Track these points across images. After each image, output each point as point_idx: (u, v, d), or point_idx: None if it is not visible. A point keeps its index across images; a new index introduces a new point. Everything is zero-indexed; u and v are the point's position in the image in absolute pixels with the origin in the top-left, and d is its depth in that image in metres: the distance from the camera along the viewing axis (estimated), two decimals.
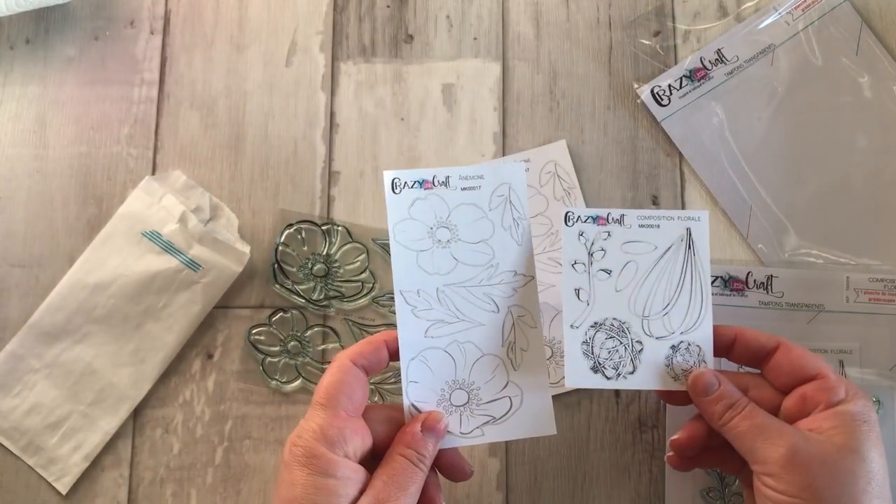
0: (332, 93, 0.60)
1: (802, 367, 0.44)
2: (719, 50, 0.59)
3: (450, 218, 0.47)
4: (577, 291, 0.48)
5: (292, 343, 0.56)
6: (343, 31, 0.61)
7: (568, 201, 0.57)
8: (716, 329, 0.47)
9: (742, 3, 0.60)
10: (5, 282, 0.57)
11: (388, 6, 0.61)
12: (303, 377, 0.55)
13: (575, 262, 0.48)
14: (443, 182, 0.47)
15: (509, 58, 0.60)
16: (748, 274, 0.55)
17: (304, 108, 0.60)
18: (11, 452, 0.54)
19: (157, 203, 0.56)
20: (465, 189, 0.47)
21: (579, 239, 0.48)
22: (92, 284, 0.55)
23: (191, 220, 0.56)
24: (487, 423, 0.46)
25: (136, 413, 0.55)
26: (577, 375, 0.47)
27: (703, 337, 0.47)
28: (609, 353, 0.47)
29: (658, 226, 0.48)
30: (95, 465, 0.55)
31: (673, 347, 0.47)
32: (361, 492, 0.41)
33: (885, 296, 0.55)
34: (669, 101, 0.58)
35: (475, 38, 0.60)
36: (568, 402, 0.55)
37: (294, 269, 0.57)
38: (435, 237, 0.47)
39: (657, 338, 0.47)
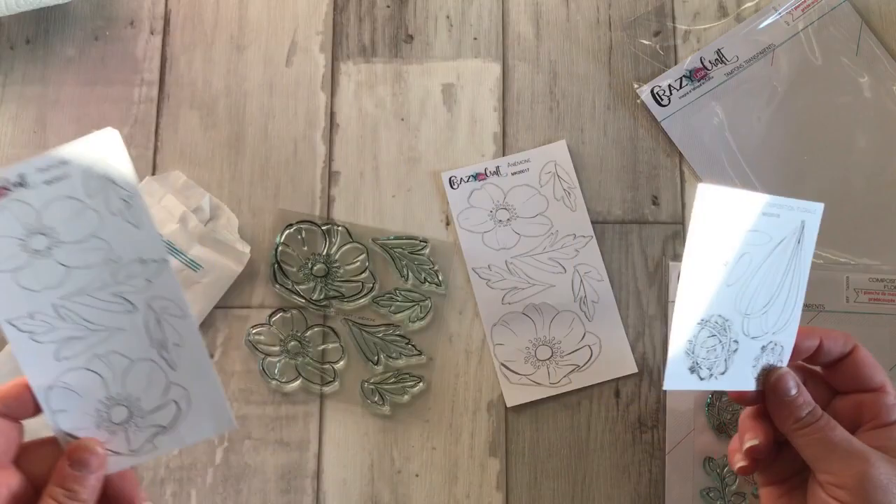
0: (332, 93, 0.60)
1: (869, 377, 0.43)
2: (719, 50, 0.59)
3: (41, 222, 0.39)
4: (694, 283, 0.42)
5: (292, 343, 0.56)
6: (343, 31, 0.61)
7: (568, 201, 0.57)
8: (800, 331, 0.44)
9: (742, 3, 0.60)
10: None
11: (388, 6, 0.61)
12: (303, 377, 0.55)
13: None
14: (493, 172, 0.50)
15: (509, 58, 0.60)
16: None
17: (304, 108, 0.60)
18: None
19: (158, 203, 0.56)
20: (48, 183, 0.38)
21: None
22: None
23: (191, 220, 0.56)
24: (157, 434, 0.41)
25: None
26: (678, 377, 0.42)
27: (788, 337, 0.44)
28: (707, 352, 0.42)
29: (779, 215, 0.43)
30: None
31: (763, 348, 0.43)
32: None
33: (885, 296, 0.55)
34: (669, 101, 0.58)
35: (475, 38, 0.60)
36: (568, 402, 0.55)
37: (294, 269, 0.57)
38: (27, 246, 0.38)
39: (752, 338, 0.43)
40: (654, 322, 0.56)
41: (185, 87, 0.60)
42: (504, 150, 0.58)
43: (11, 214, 0.38)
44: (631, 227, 0.57)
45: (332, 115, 0.59)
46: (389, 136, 0.59)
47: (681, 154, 0.58)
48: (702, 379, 0.42)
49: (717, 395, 0.54)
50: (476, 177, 0.56)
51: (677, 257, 0.57)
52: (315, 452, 0.55)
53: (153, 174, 0.58)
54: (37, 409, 0.39)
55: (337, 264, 0.57)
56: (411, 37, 0.61)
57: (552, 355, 0.55)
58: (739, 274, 0.42)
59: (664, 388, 0.42)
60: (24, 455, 0.39)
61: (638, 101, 0.59)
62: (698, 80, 0.59)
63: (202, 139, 0.59)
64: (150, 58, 0.61)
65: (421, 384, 0.55)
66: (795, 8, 0.59)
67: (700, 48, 0.59)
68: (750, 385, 0.43)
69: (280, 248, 0.57)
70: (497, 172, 0.56)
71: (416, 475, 0.54)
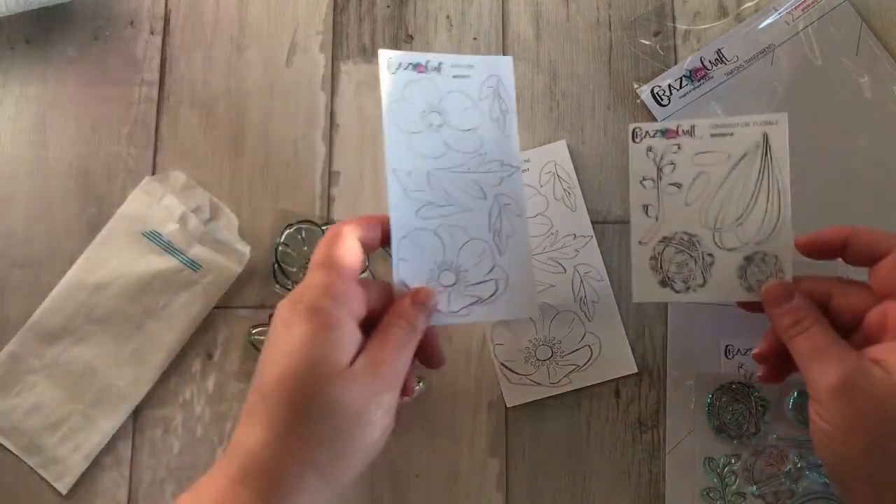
0: (332, 93, 0.60)
1: None
2: (719, 50, 0.59)
3: (441, 103, 0.48)
4: (646, 208, 0.48)
5: None
6: (343, 31, 0.61)
7: (567, 201, 0.57)
8: (829, 230, 0.45)
9: (742, 3, 0.60)
10: (5, 282, 0.57)
11: (388, 6, 0.61)
12: None
13: (643, 179, 0.48)
14: (435, 68, 0.48)
15: None
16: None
17: (304, 108, 0.60)
18: (11, 452, 0.54)
19: (158, 203, 0.56)
20: (456, 77, 0.48)
21: (647, 154, 0.48)
22: (92, 284, 0.55)
23: (191, 220, 0.56)
24: (474, 303, 0.47)
25: (136, 413, 0.55)
26: (645, 290, 0.48)
27: (781, 247, 0.46)
28: (678, 267, 0.47)
29: (732, 133, 0.47)
30: (95, 465, 0.55)
31: (747, 259, 0.46)
32: (358, 352, 0.42)
33: None
34: (669, 101, 0.58)
35: (475, 38, 0.60)
36: (568, 402, 0.55)
37: (294, 270, 0.56)
38: (427, 121, 0.48)
39: (729, 249, 0.46)
40: (654, 322, 0.56)
41: (185, 87, 0.60)
42: None
43: (422, 89, 0.48)
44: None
45: (332, 115, 0.59)
46: None
47: None
48: (677, 292, 0.47)
49: (718, 395, 0.54)
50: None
51: None
52: None
53: (153, 174, 0.58)
54: (376, 247, 0.46)
55: None
56: (411, 37, 0.61)
57: (552, 355, 0.55)
58: (698, 192, 0.47)
59: (634, 300, 0.48)
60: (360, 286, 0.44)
61: (638, 101, 0.59)
62: (698, 80, 0.59)
63: (202, 139, 0.59)
64: (150, 58, 0.61)
65: (421, 384, 0.55)
66: (795, 8, 0.59)
67: (700, 48, 0.59)
68: (739, 296, 0.46)
69: (280, 248, 0.57)
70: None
71: (416, 475, 0.54)
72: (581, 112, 0.59)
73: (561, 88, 0.60)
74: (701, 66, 0.59)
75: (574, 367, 0.55)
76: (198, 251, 0.56)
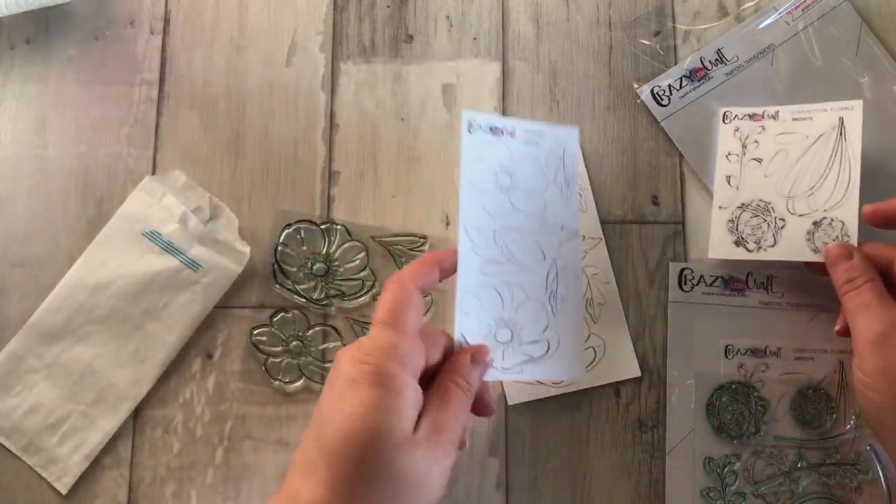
0: (332, 93, 0.60)
1: None
2: (719, 50, 0.59)
3: (512, 166, 0.50)
4: (728, 178, 0.54)
5: (294, 343, 0.56)
6: (343, 31, 0.61)
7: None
8: (894, 200, 0.49)
9: (742, 3, 0.60)
10: (5, 282, 0.57)
11: (388, 6, 0.61)
12: (305, 377, 0.55)
13: (729, 154, 0.54)
14: (510, 132, 0.51)
15: (509, 58, 0.60)
16: (748, 274, 0.55)
17: (304, 108, 0.60)
18: (11, 452, 0.54)
19: (158, 203, 0.56)
20: (527, 143, 0.51)
21: (735, 134, 0.55)
22: (92, 284, 0.55)
23: (191, 220, 0.56)
24: (526, 361, 0.49)
25: (136, 413, 0.55)
26: (720, 248, 0.53)
27: (848, 213, 0.51)
28: (752, 229, 0.52)
29: (811, 118, 0.53)
30: (95, 465, 0.55)
31: (815, 223, 0.51)
32: (418, 413, 0.42)
33: None
34: (669, 101, 0.58)
35: (475, 38, 0.60)
36: (568, 402, 0.55)
37: (294, 269, 0.56)
38: (498, 181, 0.50)
39: (800, 215, 0.52)
40: (655, 322, 0.56)
41: (185, 87, 0.60)
42: None
43: (496, 151, 0.50)
44: (631, 227, 0.57)
45: (332, 115, 0.59)
46: (389, 136, 0.59)
47: (681, 154, 0.58)
48: (749, 251, 0.53)
49: (718, 395, 0.54)
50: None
51: (677, 257, 0.57)
52: None
53: (153, 174, 0.58)
54: (435, 287, 0.47)
55: (337, 263, 0.57)
56: (411, 37, 0.61)
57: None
58: (777, 167, 0.54)
59: (709, 256, 0.54)
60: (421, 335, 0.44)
61: (638, 101, 0.59)
62: (698, 80, 0.59)
63: (202, 139, 0.59)
64: (150, 58, 0.61)
65: None
66: (795, 8, 0.59)
67: (700, 48, 0.59)
68: (806, 256, 0.52)
69: (280, 248, 0.57)
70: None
71: None
72: (581, 112, 0.59)
73: (561, 88, 0.60)
74: (701, 66, 0.59)
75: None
76: (198, 251, 0.56)
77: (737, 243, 0.53)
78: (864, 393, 0.45)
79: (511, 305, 0.49)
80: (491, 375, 0.47)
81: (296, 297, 0.56)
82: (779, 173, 0.53)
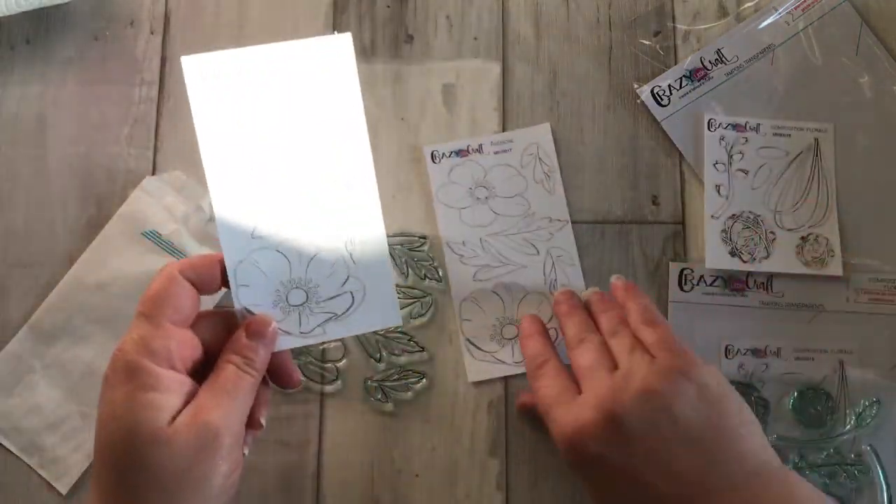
0: None
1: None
2: (719, 50, 0.59)
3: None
4: (718, 187, 0.56)
5: None
6: (343, 31, 0.61)
7: (547, 185, 0.57)
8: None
9: (742, 3, 0.60)
10: (5, 282, 0.57)
11: (388, 6, 0.61)
12: (305, 377, 0.55)
13: (716, 163, 0.56)
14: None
15: (509, 58, 0.60)
16: (748, 274, 0.55)
17: None
18: (11, 452, 0.54)
19: (158, 203, 0.56)
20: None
21: (720, 143, 0.56)
22: (92, 285, 0.55)
23: (191, 220, 0.56)
24: (329, 320, 0.45)
25: None
26: (717, 258, 0.55)
27: (830, 232, 0.55)
28: (745, 240, 0.54)
29: (790, 135, 0.56)
30: None
31: (803, 238, 0.54)
32: (186, 403, 0.40)
33: (886, 296, 0.55)
34: (669, 101, 0.58)
35: (475, 38, 0.60)
36: None
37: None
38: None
39: (788, 229, 0.55)
40: None
41: (185, 88, 0.60)
42: None
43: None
44: (631, 227, 0.57)
45: None
46: (389, 136, 0.59)
47: (681, 154, 0.58)
48: (745, 262, 0.55)
49: None
50: (458, 153, 0.57)
51: (677, 257, 0.57)
52: (315, 452, 0.55)
53: (153, 174, 0.58)
54: (215, 288, 0.44)
55: None
56: (411, 37, 0.61)
57: (518, 335, 0.55)
58: (762, 180, 0.56)
59: (707, 266, 0.55)
60: (198, 322, 0.43)
61: (638, 101, 0.59)
62: (698, 80, 0.59)
63: None
64: (150, 58, 0.61)
65: (424, 381, 0.55)
66: (795, 8, 0.59)
67: (700, 48, 0.59)
68: (798, 269, 0.54)
69: None
70: (479, 150, 0.57)
71: (417, 475, 0.54)
72: (581, 112, 0.59)
73: (561, 88, 0.60)
74: (701, 66, 0.59)
75: None
76: (197, 251, 0.56)
77: (732, 254, 0.55)
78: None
79: (300, 264, 0.45)
80: (289, 343, 0.45)
81: None
82: (764, 186, 0.56)
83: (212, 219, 0.57)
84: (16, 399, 0.55)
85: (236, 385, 0.41)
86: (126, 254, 0.56)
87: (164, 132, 0.59)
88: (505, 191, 0.56)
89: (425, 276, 0.56)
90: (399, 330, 0.56)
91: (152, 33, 0.61)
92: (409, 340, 0.55)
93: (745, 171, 0.56)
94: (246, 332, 0.43)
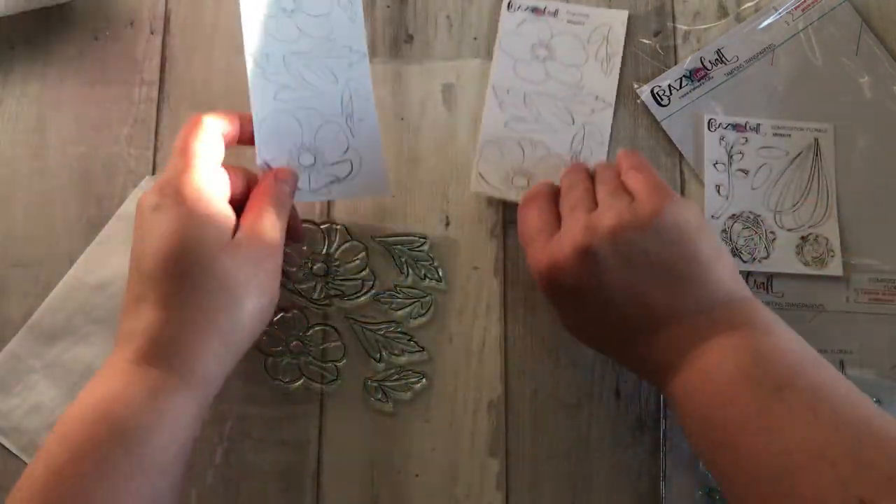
0: None
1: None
2: (719, 50, 0.59)
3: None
4: (718, 187, 0.56)
5: (294, 343, 0.56)
6: None
7: (605, 66, 0.59)
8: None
9: (742, 3, 0.60)
10: (5, 282, 0.57)
11: (388, 6, 0.61)
12: (305, 377, 0.55)
13: (716, 163, 0.56)
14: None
15: None
16: (748, 274, 0.55)
17: None
18: (11, 452, 0.54)
19: None
20: None
21: (720, 143, 0.57)
22: (92, 285, 0.55)
23: None
24: (333, 182, 0.53)
25: None
26: None
27: (830, 231, 0.55)
28: (745, 241, 0.55)
29: (790, 135, 0.56)
30: None
31: (803, 238, 0.55)
32: (234, 229, 0.45)
33: (886, 296, 0.55)
34: (669, 101, 0.58)
35: (475, 38, 0.60)
36: (568, 402, 0.55)
37: (294, 269, 0.56)
38: (280, 4, 0.52)
39: (788, 229, 0.55)
40: None
41: (185, 88, 0.60)
42: None
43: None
44: None
45: None
46: (389, 136, 0.59)
47: (681, 154, 0.58)
48: (745, 262, 0.55)
49: None
50: (534, 10, 0.59)
51: None
52: (315, 452, 0.55)
53: (153, 174, 0.58)
54: (234, 142, 0.50)
55: (337, 263, 0.57)
56: (411, 37, 0.61)
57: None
58: (762, 180, 0.56)
59: None
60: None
61: (638, 101, 0.59)
62: (698, 80, 0.59)
63: None
64: (150, 58, 0.61)
65: (424, 380, 0.55)
66: (795, 8, 0.59)
67: (700, 48, 0.60)
68: (797, 269, 0.55)
69: None
70: (554, 14, 0.59)
71: (417, 475, 0.54)
72: None
73: None
74: (701, 66, 0.59)
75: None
76: None
77: (732, 254, 0.54)
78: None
79: (309, 130, 0.52)
80: (299, 196, 0.52)
81: (296, 297, 0.56)
82: (764, 187, 0.56)
83: None
84: (16, 399, 0.55)
85: (276, 216, 0.47)
86: (126, 253, 0.55)
87: (164, 132, 0.59)
88: (565, 58, 0.58)
89: (425, 276, 0.56)
90: (399, 330, 0.56)
91: (152, 33, 0.61)
92: (409, 340, 0.55)
93: (745, 171, 0.56)
94: (276, 175, 0.50)
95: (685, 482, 0.53)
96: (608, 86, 0.58)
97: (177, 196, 0.43)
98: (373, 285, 0.56)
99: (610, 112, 0.57)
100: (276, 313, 0.56)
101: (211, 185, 0.45)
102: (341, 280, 0.56)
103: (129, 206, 0.57)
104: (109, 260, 0.56)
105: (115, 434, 0.39)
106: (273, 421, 0.55)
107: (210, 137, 0.47)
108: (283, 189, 0.49)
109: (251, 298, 0.44)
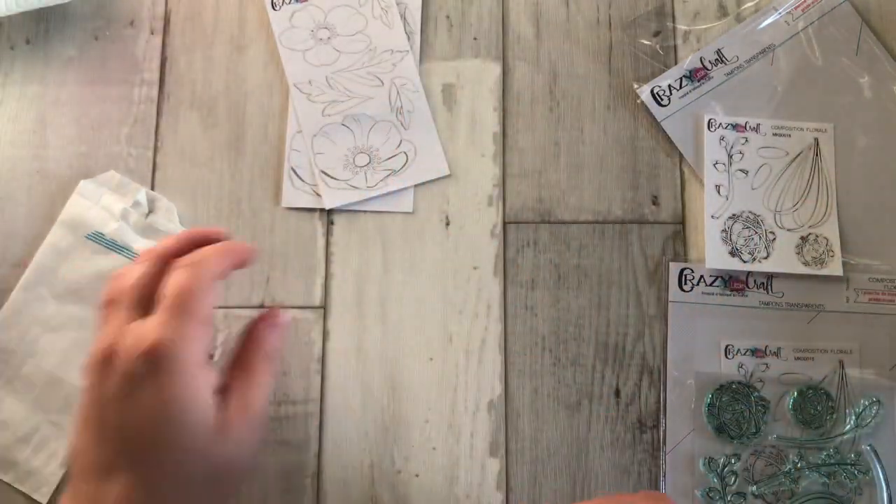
0: None
1: None
2: (719, 50, 0.59)
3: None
4: (718, 187, 0.56)
5: None
6: None
7: (385, 19, 0.59)
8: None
9: (742, 3, 0.60)
10: (5, 282, 0.57)
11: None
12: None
13: (716, 162, 0.56)
14: None
15: (509, 58, 0.60)
16: (748, 274, 0.55)
17: None
18: None
19: (96, 205, 0.56)
20: None
21: (720, 143, 0.56)
22: (45, 295, 0.55)
23: (131, 215, 0.56)
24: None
25: None
26: (717, 258, 0.55)
27: (830, 232, 0.55)
28: (745, 240, 0.54)
29: (790, 135, 0.56)
30: None
31: (803, 238, 0.54)
32: (218, 388, 0.41)
33: (886, 296, 0.55)
34: (669, 101, 0.58)
35: (475, 38, 0.60)
36: (569, 402, 0.55)
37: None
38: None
39: (788, 229, 0.55)
40: (654, 322, 0.56)
41: (185, 87, 0.60)
42: (504, 151, 0.58)
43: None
44: (631, 227, 0.57)
45: None
46: None
47: (681, 154, 0.58)
48: (745, 262, 0.55)
49: (717, 395, 0.54)
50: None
51: (677, 257, 0.57)
52: (315, 452, 0.55)
53: (153, 174, 0.58)
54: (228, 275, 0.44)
55: None
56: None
57: (370, 162, 0.57)
58: (762, 180, 0.56)
59: (707, 265, 0.55)
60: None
61: (638, 101, 0.59)
62: (698, 80, 0.59)
63: (202, 139, 0.59)
64: (150, 58, 0.61)
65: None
66: (795, 8, 0.59)
67: (700, 48, 0.59)
68: (799, 269, 0.54)
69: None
70: None
71: (416, 475, 0.54)
72: (581, 112, 0.59)
73: (561, 88, 0.60)
74: (701, 66, 0.59)
75: (390, 171, 0.57)
76: (142, 245, 0.56)
77: (732, 254, 0.55)
78: None
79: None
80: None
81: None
82: (764, 187, 0.56)
83: (151, 211, 0.57)
84: None
85: (268, 374, 0.44)
86: (74, 259, 0.56)
87: (164, 132, 0.59)
88: (346, 30, 0.59)
89: None
90: None
91: (152, 33, 0.61)
92: None
93: (745, 171, 0.56)
94: (267, 323, 0.46)
95: (685, 482, 0.53)
96: (396, 35, 0.59)
97: (172, 367, 0.39)
98: None
99: (409, 57, 0.58)
100: None
101: (197, 352, 0.40)
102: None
103: (68, 212, 0.56)
104: (58, 268, 0.56)
105: None
106: (273, 421, 0.55)
107: (210, 295, 0.41)
108: (274, 338, 0.46)
109: (235, 474, 0.42)
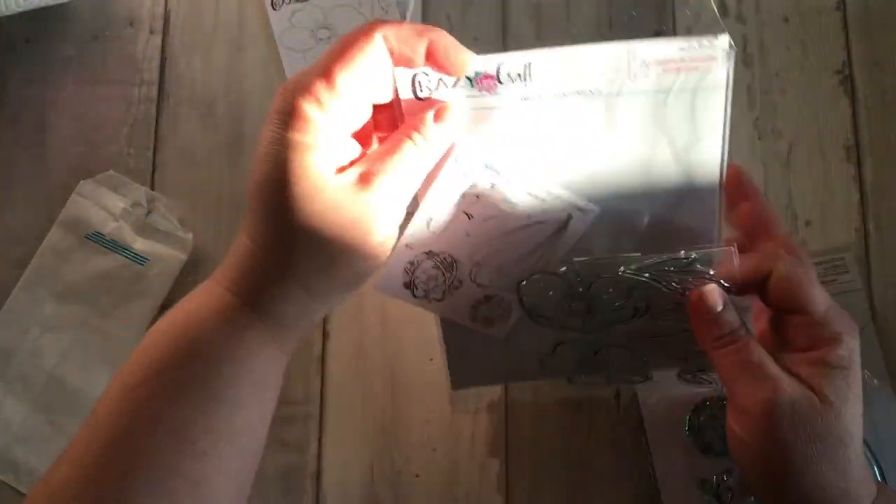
0: None
1: (793, 297, 0.40)
2: None
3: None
4: (429, 221, 0.43)
5: None
6: None
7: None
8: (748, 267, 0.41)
9: (742, 3, 0.60)
10: (5, 282, 0.57)
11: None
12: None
13: (446, 192, 0.42)
14: None
15: None
16: (499, 66, 0.40)
17: None
18: None
19: (96, 205, 0.56)
20: None
21: (464, 177, 0.42)
22: (45, 295, 0.56)
23: (130, 215, 0.56)
24: None
25: None
26: (387, 284, 0.45)
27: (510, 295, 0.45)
28: (428, 278, 0.45)
29: (545, 200, 0.43)
30: None
31: (488, 298, 0.46)
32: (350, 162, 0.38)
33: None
34: None
35: (475, 38, 0.60)
36: (569, 403, 0.55)
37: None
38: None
39: (478, 285, 0.45)
40: None
41: (185, 87, 0.60)
42: None
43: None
44: None
45: None
46: None
47: None
48: (416, 297, 0.45)
49: (694, 416, 0.53)
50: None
51: None
52: (315, 453, 0.55)
53: (153, 174, 0.58)
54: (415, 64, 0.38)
55: None
56: None
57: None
58: (484, 231, 0.43)
59: (374, 287, 0.44)
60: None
61: None
62: None
63: (202, 139, 0.59)
64: (149, 58, 0.61)
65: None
66: None
67: None
68: (463, 321, 0.46)
69: None
70: None
71: (417, 476, 0.54)
72: None
73: None
74: None
75: None
76: (141, 245, 0.56)
77: (406, 285, 0.45)
78: (742, 451, 0.41)
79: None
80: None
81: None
82: (482, 238, 0.44)
83: (150, 212, 0.57)
84: None
85: (409, 158, 0.38)
86: (74, 260, 0.56)
87: (164, 132, 0.59)
88: (346, 30, 0.49)
89: None
90: None
91: (152, 33, 0.61)
92: None
93: (470, 216, 0.44)
94: (436, 115, 0.39)
95: (684, 481, 0.53)
96: None
97: (282, 112, 0.36)
98: None
99: None
100: None
101: (330, 113, 0.36)
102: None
103: (68, 213, 0.57)
104: (58, 268, 0.56)
105: (186, 353, 0.37)
106: (273, 421, 0.55)
107: (366, 60, 0.37)
108: (433, 130, 0.39)
109: (344, 250, 0.38)
